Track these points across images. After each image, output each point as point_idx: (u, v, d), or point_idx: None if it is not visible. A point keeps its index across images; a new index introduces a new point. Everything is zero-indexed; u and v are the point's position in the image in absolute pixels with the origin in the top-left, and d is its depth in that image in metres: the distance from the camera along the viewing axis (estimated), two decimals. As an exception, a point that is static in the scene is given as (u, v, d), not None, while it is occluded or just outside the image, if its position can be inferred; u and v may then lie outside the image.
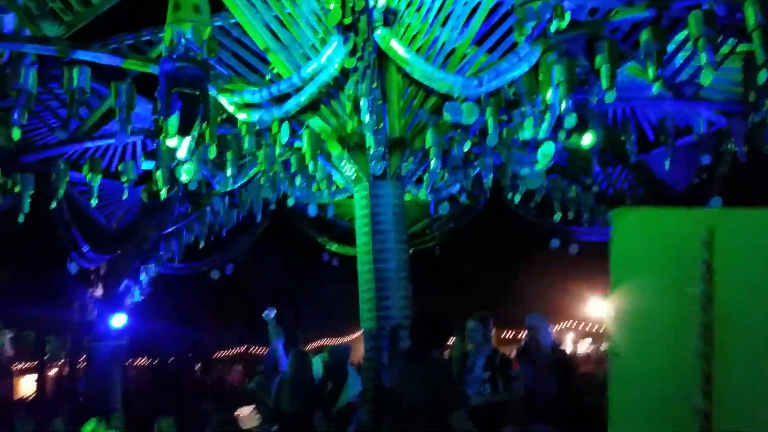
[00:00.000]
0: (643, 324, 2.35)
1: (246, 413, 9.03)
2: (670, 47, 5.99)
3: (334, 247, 11.91)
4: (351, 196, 6.63)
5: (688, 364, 2.23)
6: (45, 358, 21.99)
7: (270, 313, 7.79)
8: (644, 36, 4.84)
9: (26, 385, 22.70)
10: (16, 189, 6.82)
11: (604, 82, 5.05)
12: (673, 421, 2.28)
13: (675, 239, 2.35)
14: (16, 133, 5.46)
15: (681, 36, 6.18)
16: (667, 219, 2.50)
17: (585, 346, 25.26)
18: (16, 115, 5.06)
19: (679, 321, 2.28)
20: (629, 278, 2.39)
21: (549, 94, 5.43)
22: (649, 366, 2.32)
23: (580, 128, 6.00)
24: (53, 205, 7.31)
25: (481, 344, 5.72)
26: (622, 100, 7.53)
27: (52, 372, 22.92)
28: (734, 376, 2.22)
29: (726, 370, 2.21)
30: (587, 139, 6.49)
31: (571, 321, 25.97)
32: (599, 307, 22.94)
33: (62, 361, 21.96)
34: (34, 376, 22.41)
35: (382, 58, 5.49)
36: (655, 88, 4.90)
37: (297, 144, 6.33)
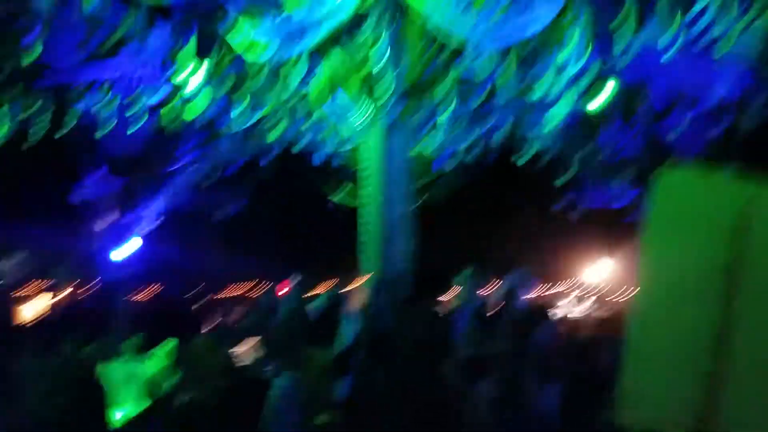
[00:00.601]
0: (670, 283, 2.40)
1: (244, 349, 9.26)
2: (696, 7, 5.88)
3: (338, 197, 11.96)
4: (359, 145, 6.65)
5: (707, 329, 2.30)
6: (52, 282, 22.39)
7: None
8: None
9: (30, 310, 23.16)
10: (31, 110, 6.87)
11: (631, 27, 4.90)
12: (685, 385, 2.36)
13: (713, 203, 2.39)
14: (32, 56, 5.46)
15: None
16: (710, 182, 2.52)
17: (581, 309, 25.53)
18: (32, 38, 5.05)
19: (705, 285, 2.33)
20: (663, 236, 2.43)
21: (570, 47, 5.38)
22: (669, 326, 2.37)
23: (595, 88, 5.98)
24: (70, 125, 7.35)
25: (469, 298, 5.72)
26: (638, 67, 7.45)
27: (57, 297, 23.33)
28: (751, 349, 2.29)
29: (744, 342, 2.28)
30: (606, 92, 6.45)
31: (568, 284, 26.18)
32: (597, 272, 23.12)
33: (70, 286, 22.35)
34: (39, 300, 22.86)
35: (400, 6, 5.43)
36: (676, 46, 4.82)
37: (311, 82, 6.30)
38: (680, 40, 4.93)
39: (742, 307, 2.29)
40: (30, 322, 18.43)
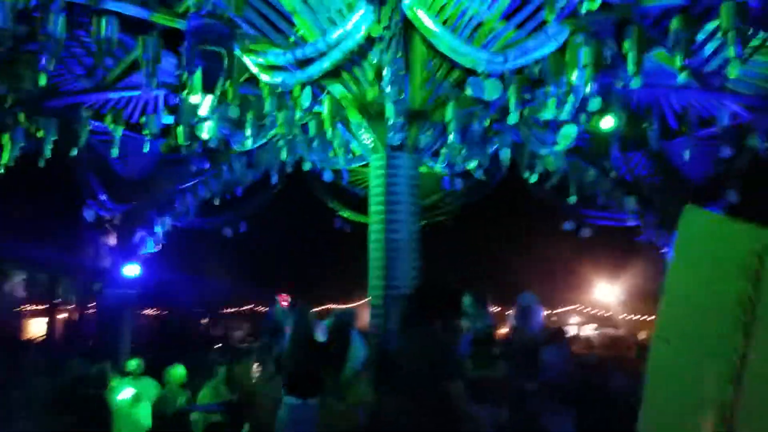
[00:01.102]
0: (689, 317, 2.51)
1: (251, 368, 9.23)
2: (700, 36, 5.91)
3: (346, 213, 11.99)
4: (367, 164, 6.66)
5: (723, 362, 2.38)
6: (56, 301, 22.47)
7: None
8: (674, 24, 4.79)
9: (36, 327, 23.21)
10: (39, 134, 6.92)
11: (631, 68, 5.02)
12: (703, 410, 2.44)
13: (732, 247, 2.53)
14: (43, 79, 5.51)
15: (711, 26, 6.09)
16: (729, 227, 2.71)
17: (588, 330, 25.36)
18: (43, 61, 5.10)
19: (722, 321, 2.43)
20: (686, 270, 2.58)
21: (574, 76, 5.40)
22: (686, 358, 2.47)
23: (603, 111, 5.98)
24: (74, 152, 7.41)
25: (474, 320, 5.66)
26: (647, 87, 7.46)
27: (63, 315, 23.40)
28: (764, 383, 2.36)
29: (758, 373, 2.35)
30: (607, 122, 6.46)
31: (576, 305, 26.04)
32: (606, 293, 22.98)
33: (73, 304, 22.43)
34: (45, 318, 22.91)
35: (408, 28, 5.46)
36: (681, 77, 4.87)
37: (317, 109, 6.35)
38: (688, 63, 4.92)
39: (758, 346, 2.38)
40: (36, 339, 18.44)
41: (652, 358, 2.54)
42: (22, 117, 6.72)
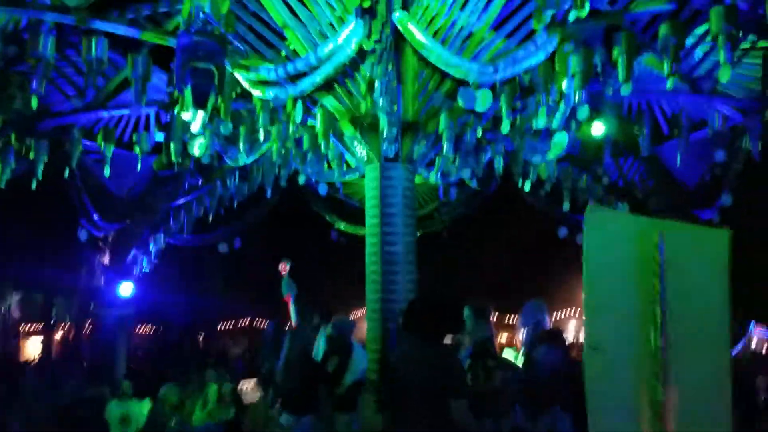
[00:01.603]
0: (614, 322, 2.53)
1: (249, 386, 9.18)
2: (689, 41, 5.94)
3: (342, 226, 11.98)
4: (362, 176, 6.65)
5: (652, 361, 2.42)
6: (52, 321, 22.32)
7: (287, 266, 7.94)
8: (663, 30, 4.80)
9: (32, 347, 23.04)
10: (31, 155, 6.89)
11: (621, 74, 5.02)
12: (641, 411, 2.45)
13: (636, 242, 2.55)
14: (35, 101, 5.49)
15: (701, 30, 6.13)
16: (631, 223, 2.74)
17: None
18: (34, 84, 5.08)
19: (642, 316, 2.46)
20: (600, 275, 2.59)
21: (564, 84, 5.41)
22: (620, 363, 2.50)
23: (593, 117, 6.00)
24: (66, 173, 7.38)
25: (474, 333, 5.60)
26: (637, 92, 7.49)
27: (58, 335, 23.24)
28: (684, 370, 2.37)
29: (678, 363, 2.37)
30: (598, 129, 6.47)
31: (574, 309, 25.99)
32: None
33: (68, 324, 22.27)
34: (40, 338, 22.74)
35: (399, 40, 5.47)
36: (670, 83, 4.87)
37: (310, 122, 6.34)
38: (678, 68, 4.94)
39: (672, 335, 2.41)
40: (32, 360, 18.27)
41: (588, 368, 2.54)
42: (13, 138, 6.69)
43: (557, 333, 5.82)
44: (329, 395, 5.47)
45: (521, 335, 5.66)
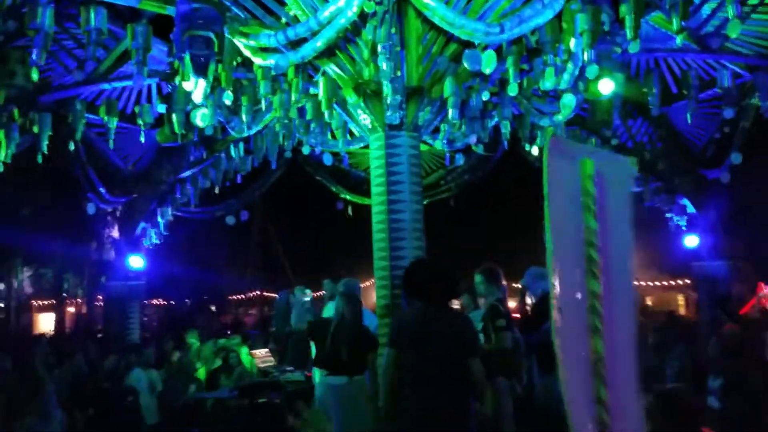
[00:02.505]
0: (567, 277, 2.27)
1: (262, 353, 9.29)
2: (697, -1, 5.81)
3: (348, 196, 11.95)
4: (367, 146, 6.59)
5: (593, 317, 2.22)
6: (63, 295, 22.57)
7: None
8: (672, -15, 4.68)
9: (45, 322, 23.36)
10: (34, 129, 6.87)
11: (629, 33, 4.93)
12: (592, 377, 2.26)
13: (579, 173, 2.30)
14: (35, 74, 5.44)
15: (710, -15, 5.99)
16: (581, 151, 2.42)
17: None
18: (34, 55, 5.03)
19: (583, 261, 2.24)
20: (558, 215, 2.32)
21: (572, 43, 5.31)
22: (571, 322, 2.24)
23: (601, 75, 5.89)
24: (71, 146, 7.37)
25: (486, 297, 5.63)
26: (645, 51, 7.36)
27: (71, 309, 23.51)
28: (615, 319, 2.22)
29: (611, 312, 2.22)
30: (606, 86, 6.36)
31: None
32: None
33: (80, 299, 22.52)
34: (53, 314, 23.03)
35: (402, 2, 5.37)
36: (679, 40, 4.78)
37: (313, 91, 6.27)
38: (685, 26, 4.83)
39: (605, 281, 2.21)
40: (46, 334, 18.51)
41: (555, 332, 2.24)
42: (16, 113, 6.66)
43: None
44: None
45: (529, 300, 5.66)
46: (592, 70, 5.57)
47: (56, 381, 7.38)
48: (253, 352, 9.20)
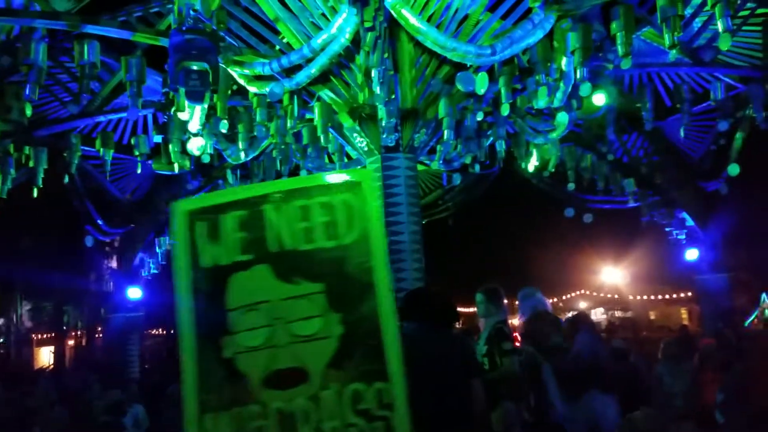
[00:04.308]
0: None
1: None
2: (688, 11, 5.84)
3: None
4: (364, 167, 6.59)
5: None
6: (63, 328, 22.42)
7: None
8: (661, 1, 4.71)
9: (45, 355, 23.17)
10: (30, 163, 6.87)
11: (620, 49, 4.95)
12: None
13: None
14: (29, 109, 5.45)
15: (698, 0, 6.04)
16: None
17: (597, 315, 25.29)
18: (28, 91, 5.04)
19: None
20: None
21: (564, 62, 5.34)
22: None
23: (594, 89, 5.89)
24: (66, 179, 7.37)
25: (488, 317, 5.55)
26: (638, 66, 7.40)
27: (71, 342, 23.34)
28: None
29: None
30: (599, 99, 6.38)
31: (584, 290, 25.97)
32: (612, 275, 22.93)
33: (80, 331, 22.37)
34: (52, 347, 22.85)
35: (394, 26, 5.40)
36: (672, 55, 4.80)
37: (308, 116, 6.28)
38: (678, 40, 4.85)
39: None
40: (46, 368, 18.33)
41: None
42: (11, 148, 6.67)
43: (589, 320, 5.73)
44: None
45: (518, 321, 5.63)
46: (584, 88, 5.59)
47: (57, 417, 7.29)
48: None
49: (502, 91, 5.73)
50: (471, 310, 6.69)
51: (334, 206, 2.54)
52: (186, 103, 4.47)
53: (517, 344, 5.62)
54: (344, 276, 2.50)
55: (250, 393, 2.35)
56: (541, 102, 5.87)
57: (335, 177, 2.64)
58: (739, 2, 5.13)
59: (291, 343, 2.41)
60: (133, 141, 7.18)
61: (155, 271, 10.76)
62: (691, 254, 11.23)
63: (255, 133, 6.41)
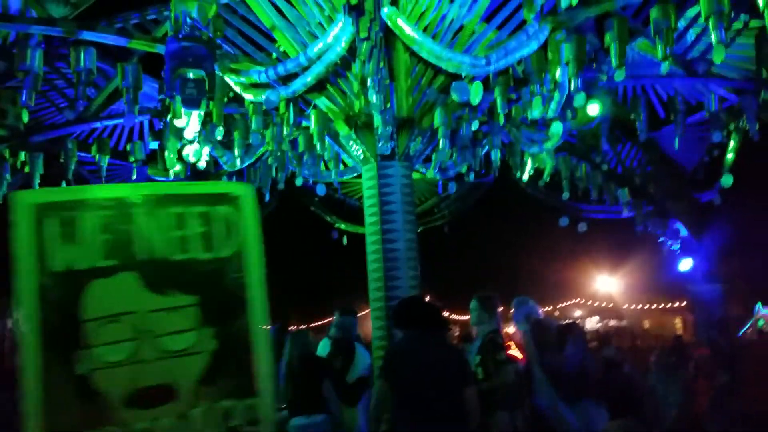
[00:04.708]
0: None
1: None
2: (681, 23, 5.90)
3: (342, 225, 11.95)
4: (359, 176, 6.61)
5: None
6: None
7: None
8: (654, 13, 4.76)
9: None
10: (26, 168, 6.86)
11: (614, 60, 4.99)
12: None
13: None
14: (25, 115, 5.46)
15: (692, 12, 6.09)
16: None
17: (592, 324, 25.32)
18: (24, 97, 5.05)
19: None
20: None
21: (558, 73, 5.37)
22: None
23: (588, 99, 5.93)
24: (63, 185, 7.36)
25: (481, 325, 5.55)
26: (632, 78, 7.45)
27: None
28: None
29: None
30: (593, 109, 6.43)
31: (578, 298, 26.01)
32: (607, 284, 22.98)
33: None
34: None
35: (390, 36, 5.43)
36: (665, 67, 4.84)
37: (305, 123, 6.31)
38: (671, 52, 4.90)
39: None
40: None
41: None
42: (7, 153, 6.67)
43: (579, 330, 5.73)
44: (335, 390, 5.43)
45: (516, 331, 5.63)
46: (578, 99, 5.64)
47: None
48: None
49: (498, 101, 5.77)
50: (466, 318, 6.68)
51: (212, 218, 2.41)
52: (182, 110, 4.48)
53: (510, 352, 5.63)
54: (219, 289, 2.38)
55: (109, 413, 2.13)
56: (535, 112, 5.91)
57: (216, 188, 2.59)
58: (732, 15, 5.17)
59: (159, 359, 2.23)
60: (128, 147, 7.20)
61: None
62: (685, 264, 11.28)
63: (251, 141, 6.43)
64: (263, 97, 5.47)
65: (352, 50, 5.07)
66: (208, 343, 2.30)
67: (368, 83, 4.95)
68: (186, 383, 2.25)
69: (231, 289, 2.39)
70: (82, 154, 7.34)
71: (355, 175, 7.59)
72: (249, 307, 2.38)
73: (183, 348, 2.27)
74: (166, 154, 6.18)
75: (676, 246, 11.23)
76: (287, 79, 5.36)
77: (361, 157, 6.00)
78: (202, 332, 2.29)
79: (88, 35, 5.26)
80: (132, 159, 7.01)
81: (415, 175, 7.63)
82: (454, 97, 5.34)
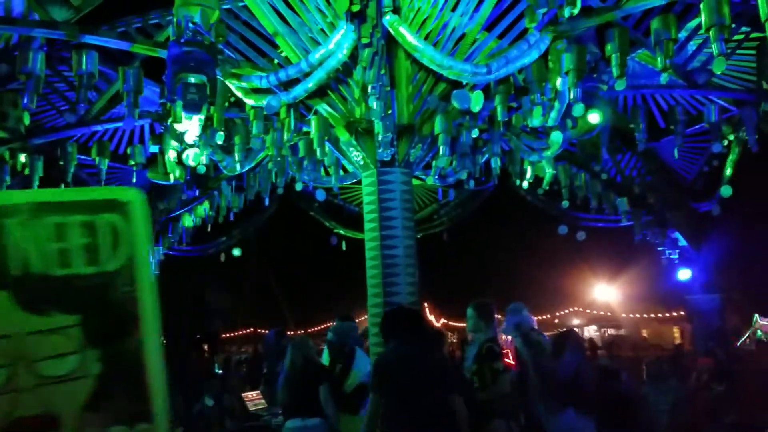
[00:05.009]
0: None
1: (253, 396, 9.14)
2: (682, 34, 5.91)
3: (342, 231, 11.96)
4: (359, 181, 6.62)
5: None
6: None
7: None
8: (655, 24, 4.78)
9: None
10: (26, 171, 6.86)
11: (615, 70, 5.01)
12: None
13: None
14: (26, 117, 5.46)
15: (693, 23, 6.11)
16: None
17: (590, 332, 25.29)
18: (25, 99, 5.06)
19: None
20: None
21: (558, 82, 5.39)
22: None
23: (588, 108, 5.94)
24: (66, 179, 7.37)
25: (477, 333, 5.53)
26: (632, 88, 7.47)
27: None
28: None
29: None
30: (593, 118, 6.44)
31: (577, 307, 25.97)
32: (606, 293, 22.97)
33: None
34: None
35: (391, 43, 5.45)
36: (664, 77, 4.85)
37: (305, 129, 6.32)
38: (671, 62, 4.92)
39: None
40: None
41: None
42: (7, 155, 6.67)
43: (576, 338, 5.72)
44: (332, 395, 5.43)
45: (506, 338, 5.62)
46: (578, 108, 5.65)
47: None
48: (245, 394, 9.04)
49: (498, 109, 5.79)
50: (464, 324, 6.65)
51: (96, 227, 2.18)
52: (183, 114, 4.49)
53: (507, 361, 5.62)
54: (105, 307, 2.17)
55: None
56: (535, 121, 5.93)
57: (100, 193, 2.33)
58: (733, 26, 5.19)
59: (38, 386, 2.03)
60: (129, 150, 7.20)
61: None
62: (684, 274, 11.29)
63: (251, 145, 6.44)
64: (264, 102, 5.48)
65: (353, 57, 5.08)
66: (92, 366, 2.10)
67: (369, 90, 4.97)
68: (69, 411, 2.06)
69: (120, 304, 2.18)
70: (82, 157, 7.35)
71: (355, 180, 7.60)
72: (140, 324, 2.18)
73: (64, 373, 2.07)
74: (166, 157, 6.19)
75: (675, 256, 11.24)
76: (289, 84, 5.38)
77: (361, 163, 6.01)
78: (85, 355, 2.09)
79: (90, 39, 5.27)
80: (132, 162, 7.02)
81: (415, 182, 7.65)
82: (455, 104, 5.36)
